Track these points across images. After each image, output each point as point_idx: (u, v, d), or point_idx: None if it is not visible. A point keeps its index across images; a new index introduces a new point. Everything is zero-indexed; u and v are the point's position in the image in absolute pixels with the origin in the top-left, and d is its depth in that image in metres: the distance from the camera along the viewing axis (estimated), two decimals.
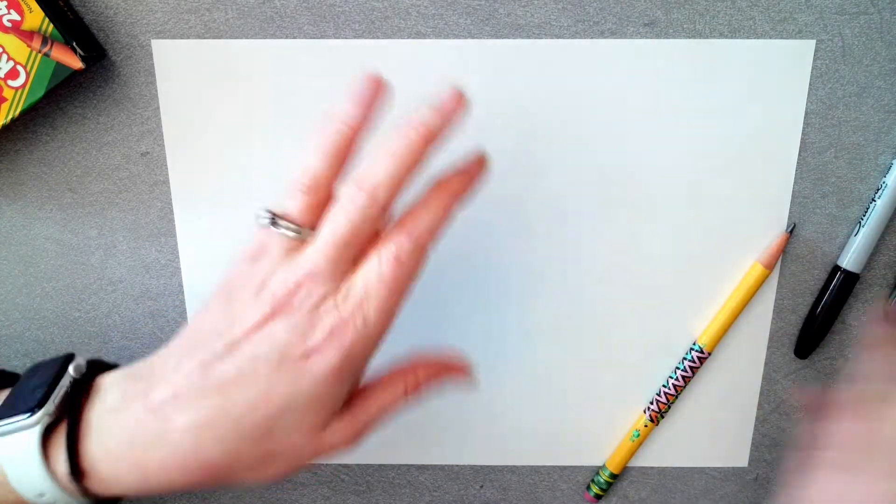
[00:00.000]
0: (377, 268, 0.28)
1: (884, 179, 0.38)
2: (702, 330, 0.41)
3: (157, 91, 0.37)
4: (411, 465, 0.45)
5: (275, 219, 0.29)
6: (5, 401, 0.31)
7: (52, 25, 0.33)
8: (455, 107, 0.29)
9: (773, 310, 0.41)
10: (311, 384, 0.28)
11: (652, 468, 0.45)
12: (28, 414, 0.29)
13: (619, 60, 0.36)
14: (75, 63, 0.34)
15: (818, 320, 0.40)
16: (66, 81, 0.34)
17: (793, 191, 0.39)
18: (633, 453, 0.43)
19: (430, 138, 0.29)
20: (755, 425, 0.43)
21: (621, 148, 0.38)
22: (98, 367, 0.32)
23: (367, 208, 0.28)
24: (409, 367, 0.33)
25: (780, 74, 0.37)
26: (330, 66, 0.36)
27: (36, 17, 0.33)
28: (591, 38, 0.36)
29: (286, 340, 0.28)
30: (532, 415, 0.43)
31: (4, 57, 0.33)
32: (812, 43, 0.36)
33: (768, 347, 0.42)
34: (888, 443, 0.31)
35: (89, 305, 0.41)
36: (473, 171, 0.30)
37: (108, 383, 0.31)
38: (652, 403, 0.42)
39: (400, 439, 0.44)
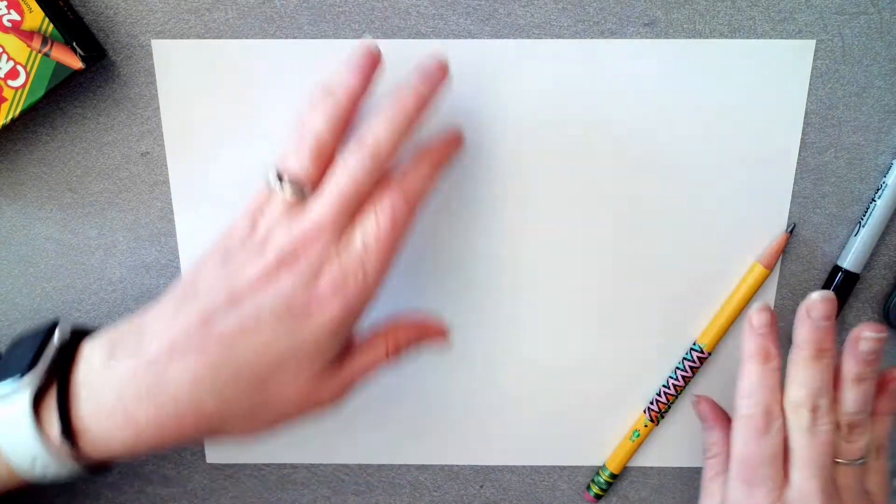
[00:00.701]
0: (374, 225, 0.30)
1: (884, 179, 0.38)
2: (702, 330, 0.41)
3: (157, 91, 0.37)
4: (411, 465, 0.45)
5: (281, 177, 0.30)
6: None
7: (52, 25, 0.33)
8: (441, 75, 0.32)
9: (773, 310, 0.41)
10: (312, 334, 0.30)
11: (652, 468, 0.45)
12: (17, 377, 0.30)
13: (619, 60, 0.36)
14: (75, 63, 0.34)
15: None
16: (66, 81, 0.34)
17: (793, 191, 0.39)
18: (633, 453, 0.43)
19: (422, 103, 0.31)
20: None
21: (621, 148, 0.38)
22: (82, 334, 0.33)
23: (368, 167, 0.30)
24: (389, 329, 0.35)
25: (780, 74, 0.37)
26: (330, 66, 0.36)
27: (36, 17, 0.33)
28: (591, 38, 0.36)
29: (290, 293, 0.29)
30: (532, 415, 0.43)
31: (4, 57, 0.33)
32: (812, 43, 0.36)
33: None
34: (773, 458, 0.34)
35: (89, 305, 0.41)
36: (453, 141, 0.35)
37: (93, 344, 0.31)
38: (652, 403, 0.42)
39: (400, 439, 0.44)
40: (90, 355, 0.31)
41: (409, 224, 0.31)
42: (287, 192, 0.30)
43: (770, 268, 0.39)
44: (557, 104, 0.37)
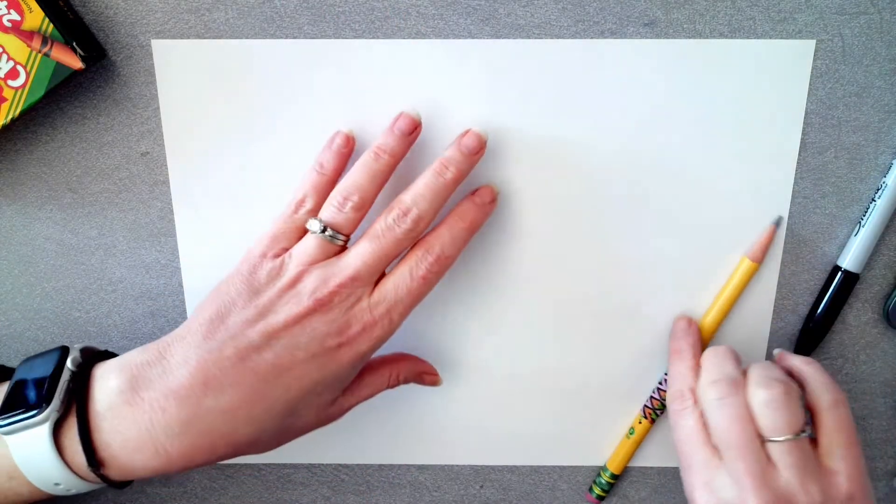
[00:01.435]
0: (408, 281, 0.34)
1: (884, 179, 0.38)
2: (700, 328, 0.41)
3: (156, 91, 0.37)
4: (411, 465, 0.45)
5: (325, 227, 0.33)
6: (7, 400, 0.32)
7: (52, 25, 0.33)
8: (480, 150, 0.35)
9: (773, 310, 0.41)
10: (339, 368, 0.33)
11: (652, 468, 0.45)
12: (35, 412, 0.30)
13: (619, 60, 0.36)
14: (75, 63, 0.34)
15: (818, 320, 0.40)
16: (66, 81, 0.34)
17: (793, 191, 0.39)
18: (632, 453, 0.43)
19: (460, 178, 0.35)
20: None
21: (621, 148, 0.38)
22: (93, 357, 0.34)
23: (408, 231, 0.33)
24: (394, 363, 0.39)
25: (780, 74, 0.37)
26: (330, 66, 0.36)
27: (36, 17, 0.33)
28: (591, 38, 0.36)
29: (325, 333, 0.32)
30: (532, 415, 0.43)
31: (4, 57, 0.33)
32: (812, 43, 0.36)
33: (768, 347, 0.42)
34: (689, 438, 0.36)
35: (89, 305, 0.41)
36: (491, 203, 0.37)
37: (109, 374, 0.32)
38: (647, 402, 0.42)
39: (400, 439, 0.44)
40: (108, 386, 0.31)
41: (437, 281, 0.35)
42: (329, 241, 0.33)
43: (758, 261, 0.39)
44: (557, 104, 0.37)
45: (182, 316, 0.41)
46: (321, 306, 0.32)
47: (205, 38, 0.36)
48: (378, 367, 0.38)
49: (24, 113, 0.34)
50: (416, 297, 0.34)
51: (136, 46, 0.36)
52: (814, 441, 0.34)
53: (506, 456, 0.44)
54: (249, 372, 0.32)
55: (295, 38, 0.36)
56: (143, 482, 0.45)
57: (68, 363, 0.33)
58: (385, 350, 0.38)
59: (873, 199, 0.38)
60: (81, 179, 0.39)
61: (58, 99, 0.37)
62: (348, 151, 0.36)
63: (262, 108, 0.37)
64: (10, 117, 0.34)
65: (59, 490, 0.32)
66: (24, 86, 0.34)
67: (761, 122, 0.37)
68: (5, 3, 0.33)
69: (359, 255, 0.33)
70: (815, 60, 0.36)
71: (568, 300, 0.41)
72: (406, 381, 0.39)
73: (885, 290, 0.41)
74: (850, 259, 0.39)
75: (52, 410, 0.31)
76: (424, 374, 0.40)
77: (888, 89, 0.37)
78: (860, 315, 0.41)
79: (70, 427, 0.31)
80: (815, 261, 0.40)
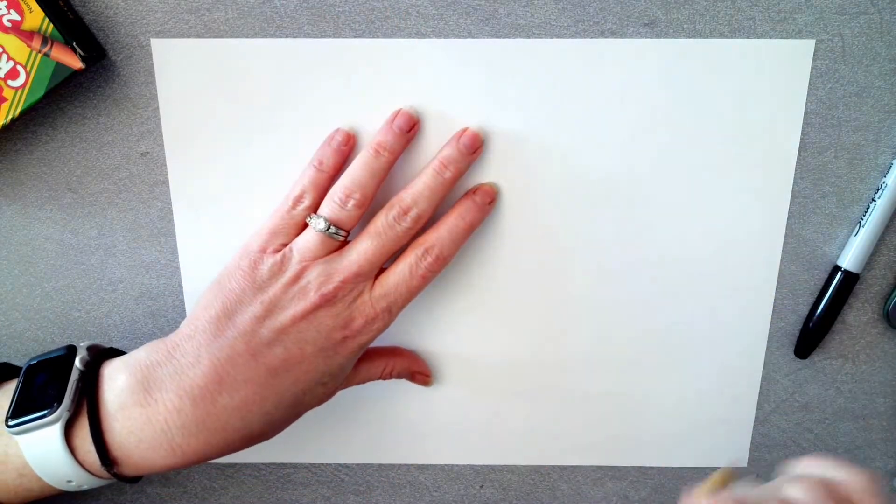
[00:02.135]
0: (408, 278, 0.35)
1: (884, 179, 0.38)
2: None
3: (156, 91, 0.37)
4: (411, 465, 0.45)
5: (329, 225, 0.34)
6: (17, 400, 0.32)
7: (52, 25, 0.33)
8: (478, 147, 0.36)
9: (773, 310, 0.41)
10: (343, 359, 0.35)
11: (652, 468, 0.45)
12: (46, 412, 0.31)
13: (619, 60, 0.36)
14: (75, 63, 0.34)
15: (818, 320, 0.40)
16: (66, 81, 0.34)
17: (792, 191, 0.39)
18: None
19: (458, 176, 0.36)
20: (755, 425, 0.44)
21: (621, 148, 0.38)
22: (100, 355, 0.34)
23: (409, 230, 0.35)
24: (390, 356, 0.40)
25: (779, 74, 0.37)
26: (330, 66, 0.36)
27: (36, 17, 0.33)
28: (591, 38, 0.36)
29: (331, 327, 0.34)
30: (532, 415, 0.43)
31: (4, 57, 0.33)
32: (812, 43, 0.36)
33: (768, 347, 0.42)
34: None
35: (89, 305, 0.41)
36: (487, 206, 0.37)
37: (118, 374, 0.32)
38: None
39: (400, 439, 0.44)
40: (118, 386, 0.32)
41: (435, 277, 0.36)
42: (331, 237, 0.34)
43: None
44: (557, 104, 0.37)
45: (182, 316, 0.41)
46: (326, 301, 0.33)
47: (205, 38, 0.36)
48: (373, 357, 0.39)
49: (24, 113, 0.34)
50: (415, 292, 0.35)
51: (136, 46, 0.36)
52: None
53: (506, 456, 0.44)
54: (262, 367, 0.33)
55: (295, 37, 0.36)
56: (143, 481, 0.45)
57: (77, 363, 0.33)
58: (386, 343, 0.40)
59: (873, 199, 0.38)
60: (81, 179, 0.39)
61: (58, 99, 0.37)
62: (348, 150, 0.36)
63: (262, 108, 0.37)
64: (10, 117, 0.34)
65: (71, 487, 0.33)
66: (24, 86, 0.34)
67: (761, 122, 0.37)
68: (5, 3, 0.33)
69: (361, 251, 0.34)
70: (814, 60, 0.36)
71: (567, 300, 0.41)
72: (398, 377, 0.40)
73: (885, 290, 0.41)
74: (850, 259, 0.39)
75: (63, 410, 0.31)
76: (417, 374, 0.41)
77: (888, 89, 0.37)
78: (860, 315, 0.41)
79: (81, 426, 0.31)
80: (815, 261, 0.40)
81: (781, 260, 0.40)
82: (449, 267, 0.39)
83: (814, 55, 0.36)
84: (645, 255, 0.40)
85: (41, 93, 0.34)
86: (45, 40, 0.33)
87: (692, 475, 0.45)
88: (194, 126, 0.37)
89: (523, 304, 0.41)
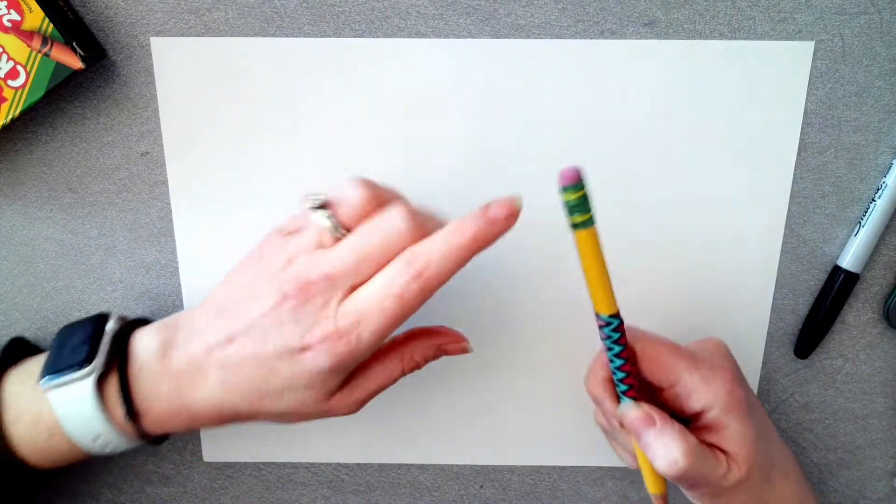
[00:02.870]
0: (381, 296, 0.29)
1: (884, 179, 0.38)
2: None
3: (156, 91, 0.37)
4: (411, 465, 0.45)
5: (324, 209, 0.31)
6: (49, 359, 0.34)
7: (52, 25, 0.33)
8: (509, 223, 0.29)
9: (773, 310, 0.41)
10: (307, 374, 0.31)
11: None
12: (79, 367, 0.33)
13: (619, 60, 0.36)
14: (75, 63, 0.34)
15: (818, 320, 0.40)
16: (66, 81, 0.34)
17: (792, 191, 0.39)
18: None
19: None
20: None
21: (621, 148, 0.38)
22: (131, 322, 0.36)
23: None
24: (405, 346, 0.35)
25: (778, 76, 0.37)
26: (330, 66, 0.36)
27: (36, 17, 0.33)
28: (591, 38, 0.36)
29: (289, 333, 0.30)
30: (532, 415, 0.43)
31: (4, 57, 0.33)
32: (811, 45, 0.36)
33: (768, 347, 0.42)
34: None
35: (89, 305, 0.41)
36: (501, 222, 0.29)
37: (146, 337, 0.34)
38: None
39: (400, 439, 0.44)
40: (145, 344, 0.33)
41: (419, 304, 0.30)
42: (324, 227, 0.31)
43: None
44: (558, 104, 0.37)
45: None
46: (293, 296, 0.30)
47: (204, 37, 0.36)
48: (385, 354, 0.34)
49: (24, 113, 0.34)
50: (389, 316, 0.29)
51: (136, 46, 0.36)
52: None
53: (506, 456, 0.44)
54: (232, 356, 0.32)
55: (295, 37, 0.36)
56: (143, 482, 0.45)
57: (109, 325, 0.35)
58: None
59: (873, 199, 0.38)
60: (81, 179, 0.39)
61: (58, 99, 0.37)
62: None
63: (262, 108, 0.37)
64: (10, 117, 0.34)
65: (97, 445, 0.33)
66: (24, 86, 0.34)
67: (761, 123, 0.37)
68: (5, 3, 0.33)
69: (344, 249, 0.30)
70: (814, 60, 0.36)
71: (567, 300, 0.41)
72: (427, 360, 0.35)
73: (885, 290, 0.41)
74: (850, 259, 0.39)
75: (95, 366, 0.33)
76: (447, 346, 0.35)
77: (888, 89, 0.37)
78: (860, 315, 0.41)
79: (110, 384, 0.33)
80: (815, 261, 0.40)
81: (781, 260, 0.40)
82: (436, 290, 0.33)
83: (814, 55, 0.36)
84: (644, 255, 0.40)
85: (41, 93, 0.34)
86: (45, 40, 0.33)
87: None
88: (194, 126, 0.37)
89: (523, 304, 0.41)
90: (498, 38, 0.36)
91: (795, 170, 0.38)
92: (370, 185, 0.31)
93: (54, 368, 0.33)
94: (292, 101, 0.37)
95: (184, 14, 0.36)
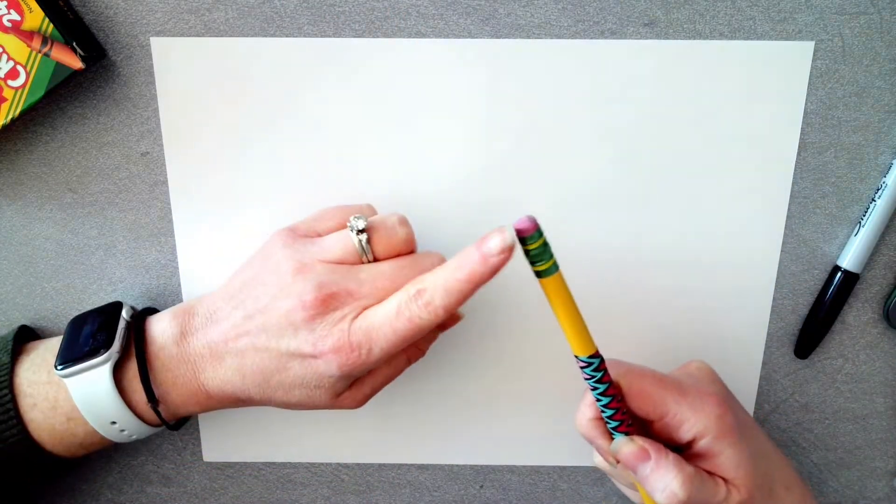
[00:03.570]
0: (393, 316, 0.31)
1: (884, 179, 0.38)
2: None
3: (156, 91, 0.37)
4: (411, 465, 0.45)
5: (364, 232, 0.32)
6: (63, 347, 0.35)
7: (52, 25, 0.33)
8: (505, 259, 0.30)
9: (773, 310, 0.41)
10: (316, 377, 0.33)
11: None
12: (95, 355, 0.33)
13: (619, 60, 0.36)
14: (75, 63, 0.34)
15: (818, 320, 0.40)
16: (66, 81, 0.34)
17: (792, 191, 0.39)
18: None
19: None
20: None
21: (621, 148, 0.38)
22: (144, 311, 0.37)
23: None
24: None
25: (778, 76, 0.37)
26: (330, 65, 0.36)
27: (36, 17, 0.33)
28: (591, 38, 0.36)
29: (303, 339, 0.32)
30: (532, 415, 0.43)
31: (4, 57, 0.33)
32: (811, 45, 0.36)
33: (768, 347, 0.42)
34: None
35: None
36: (495, 258, 0.30)
37: (161, 319, 0.35)
38: None
39: (400, 439, 0.44)
40: (160, 330, 0.35)
41: (430, 326, 0.31)
42: (358, 249, 0.33)
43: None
44: (557, 104, 0.37)
45: None
46: (311, 306, 0.31)
47: (204, 37, 0.36)
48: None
49: (24, 113, 0.34)
50: (400, 335, 0.31)
51: (136, 46, 0.36)
52: None
53: (506, 456, 0.44)
54: (242, 347, 0.33)
55: (295, 37, 0.36)
56: (142, 482, 0.45)
57: (124, 314, 0.36)
58: None
59: (873, 199, 0.38)
60: (81, 179, 0.39)
61: (58, 99, 0.37)
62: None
63: (262, 108, 0.37)
64: (10, 117, 0.34)
65: (114, 430, 0.34)
66: (24, 86, 0.34)
67: (761, 122, 0.37)
68: (5, 3, 0.33)
69: (367, 276, 0.32)
70: (814, 60, 0.36)
71: None
72: (429, 345, 0.37)
73: (885, 290, 0.41)
74: (850, 259, 0.39)
75: (112, 352, 0.33)
76: (444, 327, 0.37)
77: (888, 89, 0.37)
78: (860, 315, 0.41)
79: (127, 369, 0.34)
80: (815, 261, 0.40)
81: (781, 260, 0.40)
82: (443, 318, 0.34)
83: (814, 55, 0.36)
84: (644, 255, 0.40)
85: (41, 93, 0.34)
86: (45, 40, 0.33)
87: None
88: (194, 126, 0.37)
89: (523, 304, 0.41)
90: (498, 38, 0.36)
91: (795, 170, 0.38)
92: (410, 227, 0.34)
93: (70, 356, 0.34)
94: (292, 101, 0.37)
95: (184, 14, 0.36)
